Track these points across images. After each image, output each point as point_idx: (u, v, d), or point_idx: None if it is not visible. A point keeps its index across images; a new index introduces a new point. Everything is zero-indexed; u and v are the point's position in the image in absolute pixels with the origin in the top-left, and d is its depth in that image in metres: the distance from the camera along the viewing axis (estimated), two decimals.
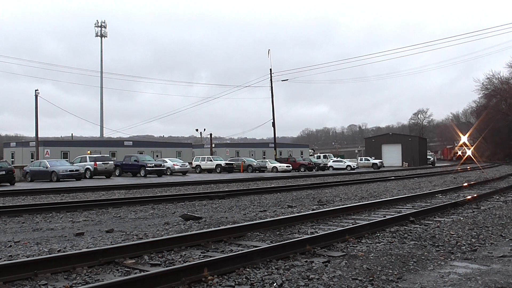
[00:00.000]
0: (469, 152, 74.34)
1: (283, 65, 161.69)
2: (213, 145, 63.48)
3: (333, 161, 57.58)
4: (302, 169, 47.32)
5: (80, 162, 34.52)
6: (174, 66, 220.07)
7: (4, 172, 26.00)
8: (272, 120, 51.16)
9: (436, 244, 6.63)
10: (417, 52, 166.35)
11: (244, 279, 4.80)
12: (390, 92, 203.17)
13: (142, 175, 35.34)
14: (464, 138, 77.46)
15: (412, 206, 11.62)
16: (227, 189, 18.79)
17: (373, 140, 73.99)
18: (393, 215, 9.50)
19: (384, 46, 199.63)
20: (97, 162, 34.11)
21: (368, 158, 62.97)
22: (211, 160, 45.10)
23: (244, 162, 47.24)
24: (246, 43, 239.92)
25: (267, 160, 50.72)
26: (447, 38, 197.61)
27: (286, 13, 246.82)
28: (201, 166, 45.07)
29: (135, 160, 36.86)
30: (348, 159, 64.44)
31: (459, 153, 78.56)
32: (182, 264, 5.31)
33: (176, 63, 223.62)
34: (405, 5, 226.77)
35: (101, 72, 76.40)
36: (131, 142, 58.39)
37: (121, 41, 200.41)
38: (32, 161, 42.90)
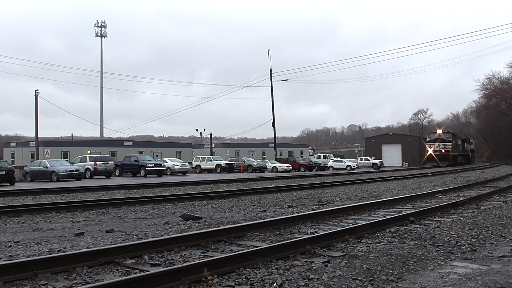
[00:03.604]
0: (444, 150, 56.00)
1: (284, 64, 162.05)
2: (213, 145, 63.50)
3: (333, 161, 57.63)
4: (302, 169, 47.34)
5: (80, 162, 34.54)
6: (174, 65, 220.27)
7: (4, 172, 26.00)
8: (272, 120, 51.22)
9: (436, 244, 6.63)
10: (420, 52, 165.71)
11: (244, 279, 4.80)
12: (391, 92, 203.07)
13: (142, 175, 35.34)
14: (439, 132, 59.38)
15: (412, 206, 11.62)
16: (227, 189, 18.79)
17: (373, 140, 74.06)
18: (393, 215, 9.50)
19: (387, 45, 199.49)
20: (97, 162, 34.13)
21: (368, 158, 63.00)
22: (211, 160, 45.11)
23: (244, 162, 47.25)
24: (247, 42, 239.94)
25: (267, 160, 50.73)
26: (449, 37, 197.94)
27: (289, 12, 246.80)
28: (201, 166, 45.08)
29: (135, 160, 36.87)
30: (348, 159, 64.46)
31: (431, 151, 57.34)
32: (182, 264, 5.31)
33: (177, 62, 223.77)
34: (409, 3, 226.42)
35: (101, 72, 76.49)
36: (131, 142, 58.37)
37: (121, 40, 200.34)
38: (32, 161, 42.89)
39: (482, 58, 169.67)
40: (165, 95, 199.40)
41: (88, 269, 5.27)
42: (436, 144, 56.72)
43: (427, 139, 60.35)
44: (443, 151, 56.12)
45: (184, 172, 40.25)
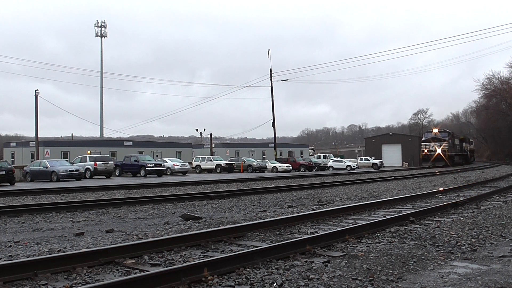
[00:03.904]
0: (439, 150, 53.58)
1: (285, 64, 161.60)
2: (213, 145, 63.50)
3: (333, 161, 57.65)
4: (302, 169, 47.34)
5: (80, 162, 34.54)
6: (174, 65, 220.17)
7: (4, 172, 26.01)
8: (272, 120, 51.23)
9: (436, 244, 6.63)
10: (420, 52, 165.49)
11: (244, 279, 4.80)
12: (391, 92, 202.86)
13: (142, 175, 35.34)
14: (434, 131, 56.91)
15: (412, 206, 11.62)
16: (227, 189, 18.79)
17: (373, 140, 74.04)
18: (393, 215, 9.50)
19: (388, 45, 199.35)
20: (97, 162, 34.14)
21: (368, 158, 63.01)
22: (211, 160, 45.12)
23: (244, 162, 47.26)
24: (247, 42, 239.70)
25: (267, 160, 50.74)
26: (450, 37, 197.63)
27: (289, 12, 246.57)
28: (201, 166, 45.08)
29: (135, 160, 36.87)
30: (348, 159, 64.46)
31: (425, 151, 55.44)
32: (182, 264, 5.31)
33: (177, 62, 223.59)
34: (409, 3, 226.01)
35: (101, 72, 76.57)
36: (131, 142, 58.39)
37: (121, 40, 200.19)
38: (32, 161, 42.90)
39: (482, 58, 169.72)
40: (165, 95, 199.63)
41: (88, 269, 5.27)
42: (432, 143, 54.72)
43: (423, 139, 58.43)
44: (438, 150, 53.89)
45: (184, 172, 40.25)
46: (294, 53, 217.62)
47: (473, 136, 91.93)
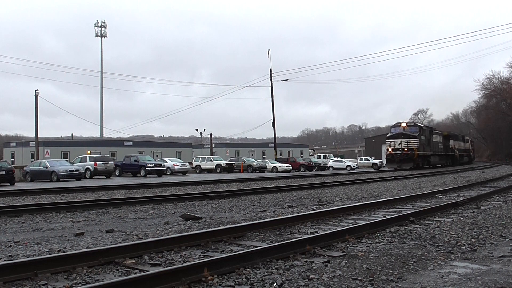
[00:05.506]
0: (406, 149, 43.12)
1: (286, 64, 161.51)
2: (213, 145, 63.50)
3: (333, 161, 57.71)
4: (302, 169, 47.36)
5: (80, 162, 34.57)
6: (175, 64, 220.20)
7: (4, 172, 26.03)
8: (272, 120, 51.25)
9: (436, 244, 6.63)
10: (421, 51, 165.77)
11: (244, 279, 4.80)
12: (392, 92, 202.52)
13: (142, 175, 35.36)
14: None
15: (412, 206, 11.62)
16: (227, 189, 18.78)
17: (373, 140, 74.15)
18: (393, 215, 9.49)
19: (389, 45, 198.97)
20: (97, 162, 34.18)
21: (368, 158, 63.02)
22: (211, 160, 45.15)
23: (244, 162, 47.28)
24: (248, 42, 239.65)
25: (267, 160, 50.77)
26: (451, 37, 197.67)
27: (290, 11, 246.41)
28: (201, 166, 45.10)
29: (135, 160, 36.90)
30: (348, 159, 64.51)
31: (390, 150, 44.68)
32: (182, 264, 5.30)
33: (177, 62, 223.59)
34: (411, 3, 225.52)
35: (101, 72, 76.67)
36: (131, 142, 58.41)
37: (121, 39, 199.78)
38: (32, 161, 42.90)
39: (483, 58, 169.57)
40: (165, 95, 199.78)
41: (88, 269, 5.26)
42: (398, 140, 44.14)
43: (388, 135, 47.21)
44: (405, 149, 43.42)
45: (184, 172, 40.26)
46: (295, 52, 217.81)
47: (473, 136, 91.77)
